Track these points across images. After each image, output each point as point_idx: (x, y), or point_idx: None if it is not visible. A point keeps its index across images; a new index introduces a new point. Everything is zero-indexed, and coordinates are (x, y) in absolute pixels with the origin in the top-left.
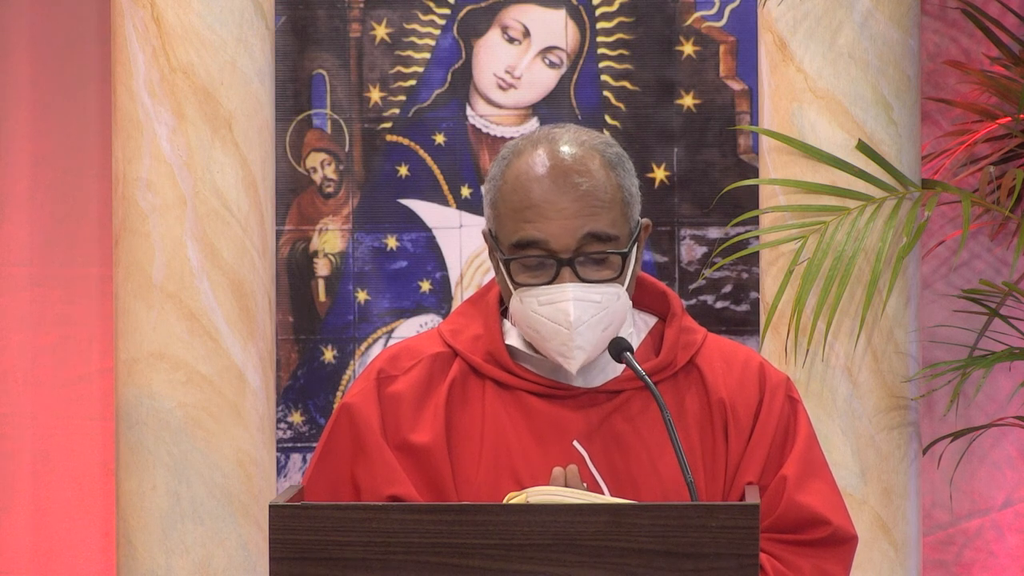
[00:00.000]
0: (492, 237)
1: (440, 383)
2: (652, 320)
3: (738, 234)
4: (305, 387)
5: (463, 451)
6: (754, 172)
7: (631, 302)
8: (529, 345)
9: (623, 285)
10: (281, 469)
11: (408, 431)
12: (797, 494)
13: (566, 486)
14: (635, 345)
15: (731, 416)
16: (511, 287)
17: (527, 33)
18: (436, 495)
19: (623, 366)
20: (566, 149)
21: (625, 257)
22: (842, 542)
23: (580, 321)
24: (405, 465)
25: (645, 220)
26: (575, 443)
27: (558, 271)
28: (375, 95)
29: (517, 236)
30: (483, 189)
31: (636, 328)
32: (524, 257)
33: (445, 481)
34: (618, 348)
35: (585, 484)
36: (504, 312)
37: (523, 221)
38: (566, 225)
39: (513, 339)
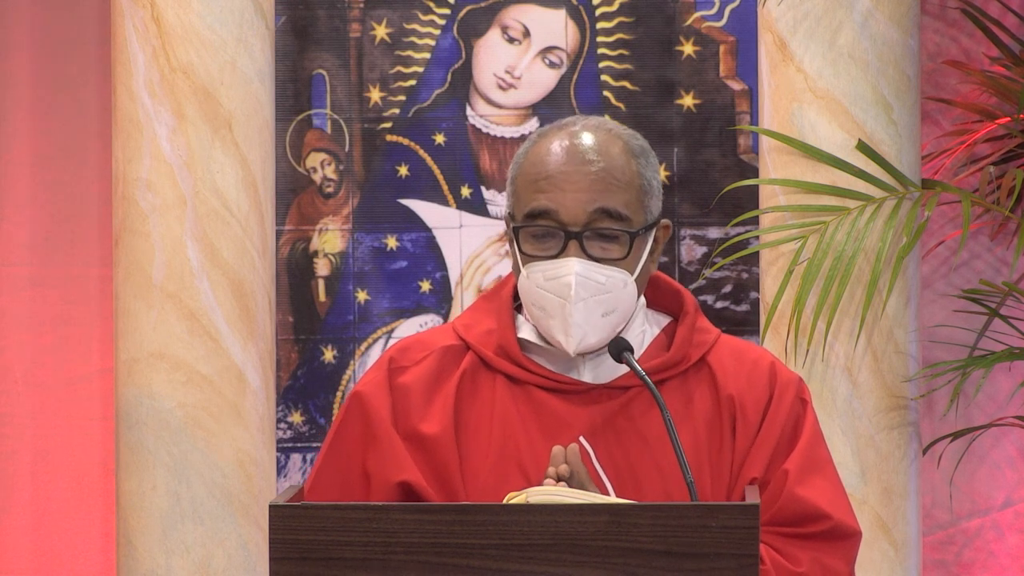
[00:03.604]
0: (509, 216)
1: (450, 375)
2: (665, 320)
3: (738, 234)
4: (305, 387)
5: (471, 443)
6: (754, 172)
7: (644, 300)
8: (541, 337)
9: (631, 272)
10: (281, 469)
11: (417, 421)
12: (797, 488)
13: (566, 463)
14: (647, 342)
15: (739, 412)
16: (520, 262)
17: (527, 33)
18: (443, 485)
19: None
20: (590, 132)
21: (634, 238)
22: (844, 537)
23: (580, 297)
24: (414, 455)
25: (665, 220)
26: (581, 439)
27: (565, 244)
28: (375, 95)
29: (530, 206)
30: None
31: (649, 326)
32: (533, 226)
33: (452, 472)
34: (618, 348)
35: (585, 468)
36: (519, 308)
37: (537, 191)
38: (578, 198)
39: (526, 332)
